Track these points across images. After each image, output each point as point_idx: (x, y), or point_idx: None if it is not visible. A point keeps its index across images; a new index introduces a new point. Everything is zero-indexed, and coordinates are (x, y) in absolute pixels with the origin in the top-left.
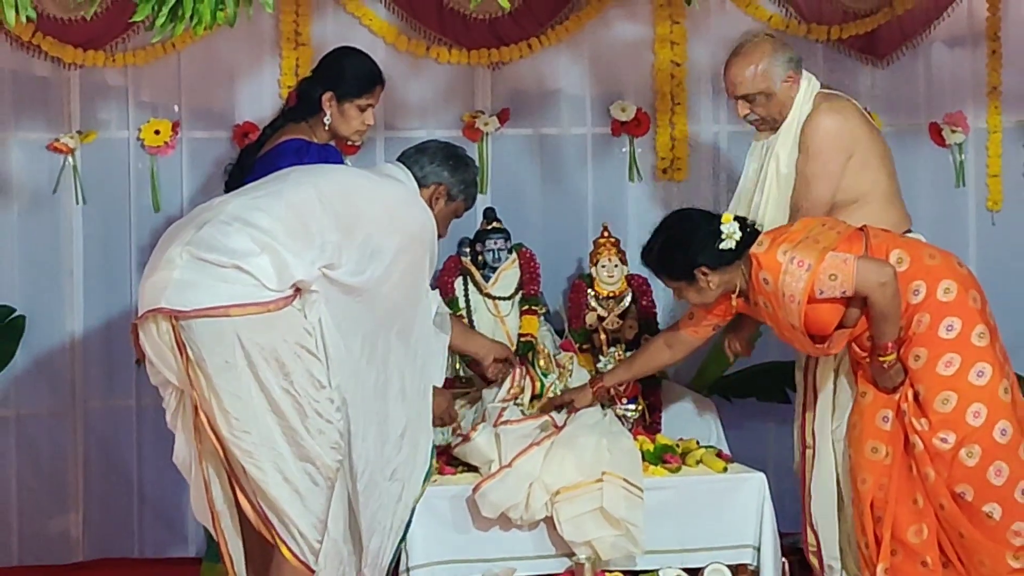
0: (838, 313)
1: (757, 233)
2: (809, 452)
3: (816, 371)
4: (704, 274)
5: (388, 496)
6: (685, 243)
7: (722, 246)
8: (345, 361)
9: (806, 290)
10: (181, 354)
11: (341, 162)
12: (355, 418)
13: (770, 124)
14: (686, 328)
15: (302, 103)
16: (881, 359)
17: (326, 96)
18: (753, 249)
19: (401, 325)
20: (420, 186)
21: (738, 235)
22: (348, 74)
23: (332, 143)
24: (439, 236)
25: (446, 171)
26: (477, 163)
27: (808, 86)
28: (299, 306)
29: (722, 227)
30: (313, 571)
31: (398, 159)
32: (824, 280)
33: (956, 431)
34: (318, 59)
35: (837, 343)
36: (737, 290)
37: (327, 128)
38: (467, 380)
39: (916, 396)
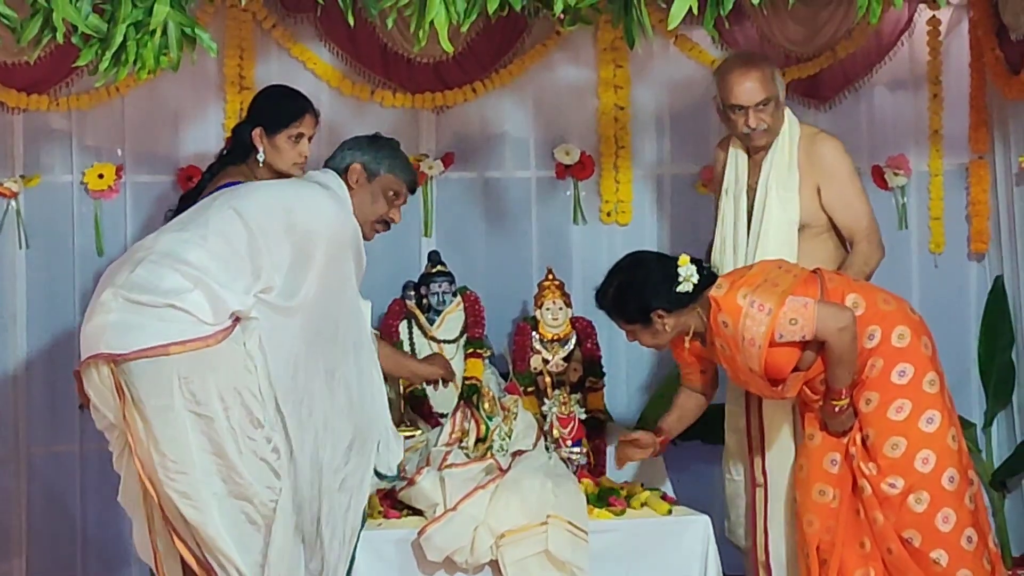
0: (795, 357)
1: (714, 276)
2: (760, 491)
3: (763, 412)
4: (660, 317)
5: (339, 506)
6: (640, 286)
7: (679, 288)
8: (290, 387)
9: (767, 334)
10: (120, 397)
11: None
12: (302, 439)
13: (770, 136)
14: (686, 382)
15: (236, 145)
16: (834, 403)
17: (256, 132)
18: (712, 292)
19: (342, 335)
20: (341, 175)
21: (695, 278)
22: (273, 106)
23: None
24: (373, 218)
25: (358, 150)
26: (422, 206)
27: (791, 116)
28: (238, 338)
29: (679, 269)
30: None
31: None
32: (784, 324)
33: (905, 477)
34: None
35: (792, 387)
36: (691, 332)
37: (262, 165)
38: (411, 423)
39: (865, 440)
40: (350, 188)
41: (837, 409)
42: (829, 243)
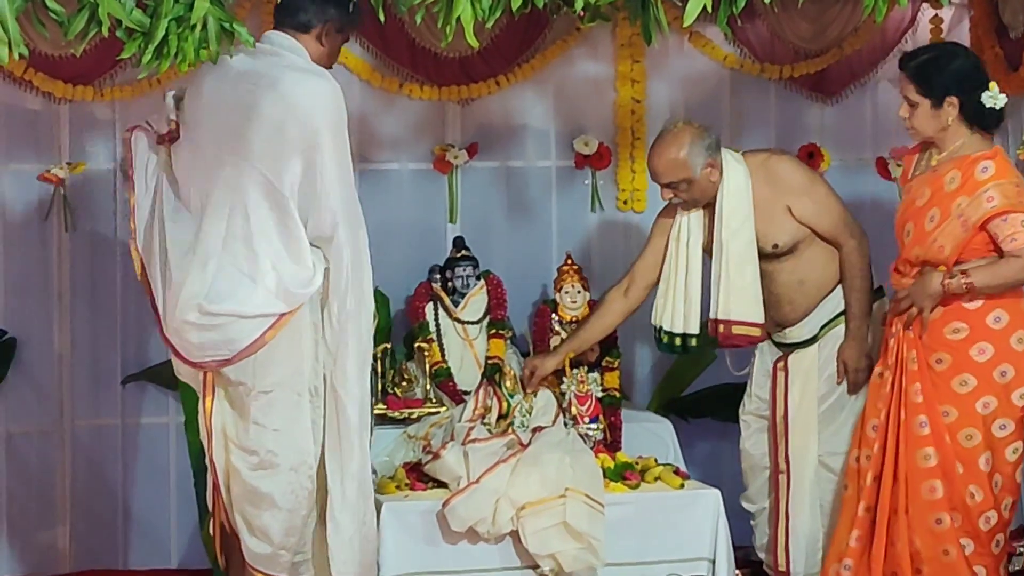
0: (972, 250)
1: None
2: (783, 477)
3: (788, 400)
4: (951, 106)
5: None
6: (958, 69)
7: (983, 98)
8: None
9: (997, 210)
10: (210, 393)
11: None
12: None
13: (694, 205)
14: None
15: None
16: (951, 282)
17: None
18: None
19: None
20: (306, 31)
21: (1000, 104)
22: None
23: None
24: (330, 66)
25: (331, 6)
26: (447, 194)
27: (733, 161)
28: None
29: (992, 88)
30: None
31: (276, 22)
32: (1014, 223)
33: (960, 410)
34: None
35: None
36: (943, 150)
37: None
38: (436, 400)
39: (934, 362)
40: (320, 44)
41: (944, 287)
42: (818, 249)
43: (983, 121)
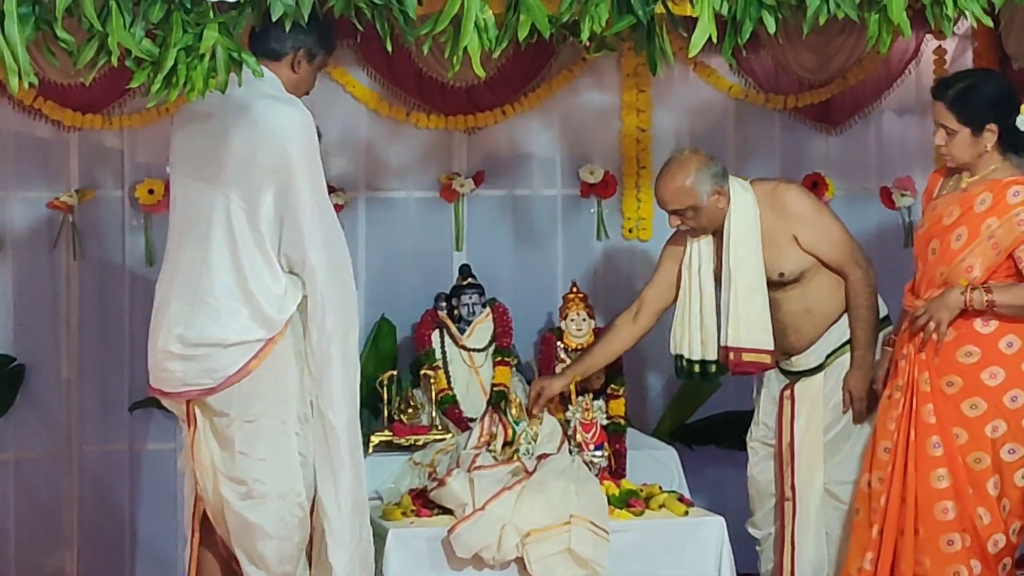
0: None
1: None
2: (788, 504)
3: (795, 429)
4: (991, 132)
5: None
6: (992, 94)
7: (1019, 123)
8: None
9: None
10: (191, 425)
11: None
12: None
13: (701, 232)
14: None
15: None
16: (972, 296)
17: None
18: None
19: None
20: (277, 59)
21: None
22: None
23: None
24: (306, 93)
25: (302, 33)
26: (454, 222)
27: (740, 189)
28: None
29: (1023, 110)
30: None
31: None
32: None
33: (970, 433)
34: None
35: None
36: (975, 174)
37: None
38: (442, 427)
39: (944, 384)
40: (292, 71)
41: (966, 301)
42: (824, 278)
43: (1017, 145)
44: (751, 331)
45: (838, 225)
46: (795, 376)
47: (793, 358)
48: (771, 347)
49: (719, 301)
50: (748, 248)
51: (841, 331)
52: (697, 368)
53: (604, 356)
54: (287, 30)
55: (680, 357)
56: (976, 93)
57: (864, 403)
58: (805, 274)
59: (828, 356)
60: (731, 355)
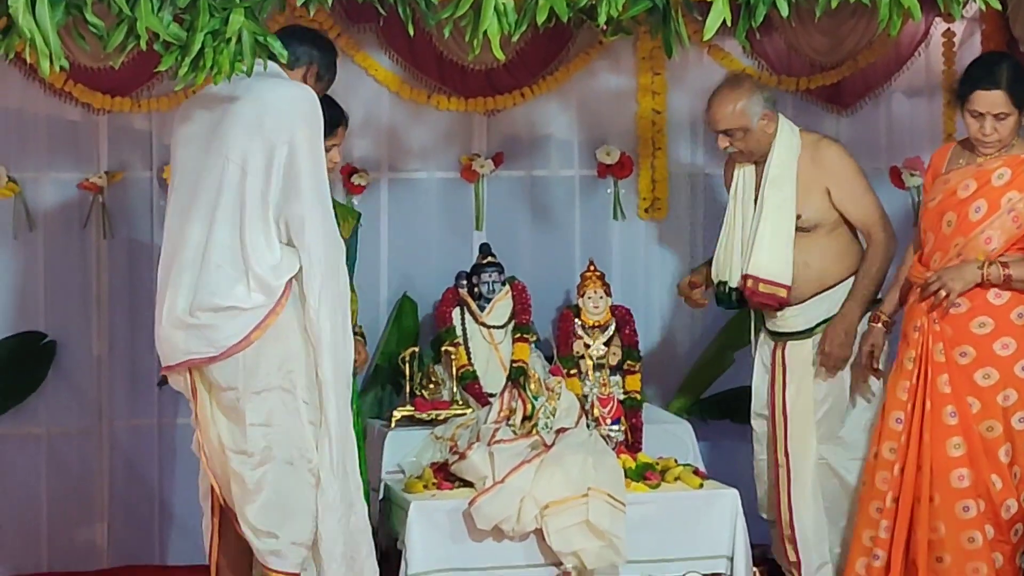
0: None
1: None
2: (782, 470)
3: (787, 398)
4: (1022, 115)
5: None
6: None
7: None
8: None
9: None
10: (195, 397)
11: None
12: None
13: (747, 156)
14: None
15: None
16: (990, 271)
17: None
18: None
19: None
20: (291, 68)
21: None
22: None
23: None
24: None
25: (316, 50)
26: (474, 202)
27: (788, 126)
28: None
29: None
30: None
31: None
32: None
33: (982, 401)
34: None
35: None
36: (1009, 145)
37: None
38: (463, 402)
39: (957, 354)
40: (304, 82)
41: (983, 275)
42: (843, 236)
43: None
44: (773, 262)
45: (872, 191)
46: (782, 337)
47: (780, 312)
48: (789, 282)
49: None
50: (784, 180)
51: (834, 300)
52: (735, 297)
53: None
54: (301, 42)
55: (723, 283)
56: (1020, 75)
57: (834, 354)
58: (818, 227)
59: (818, 324)
60: (748, 282)
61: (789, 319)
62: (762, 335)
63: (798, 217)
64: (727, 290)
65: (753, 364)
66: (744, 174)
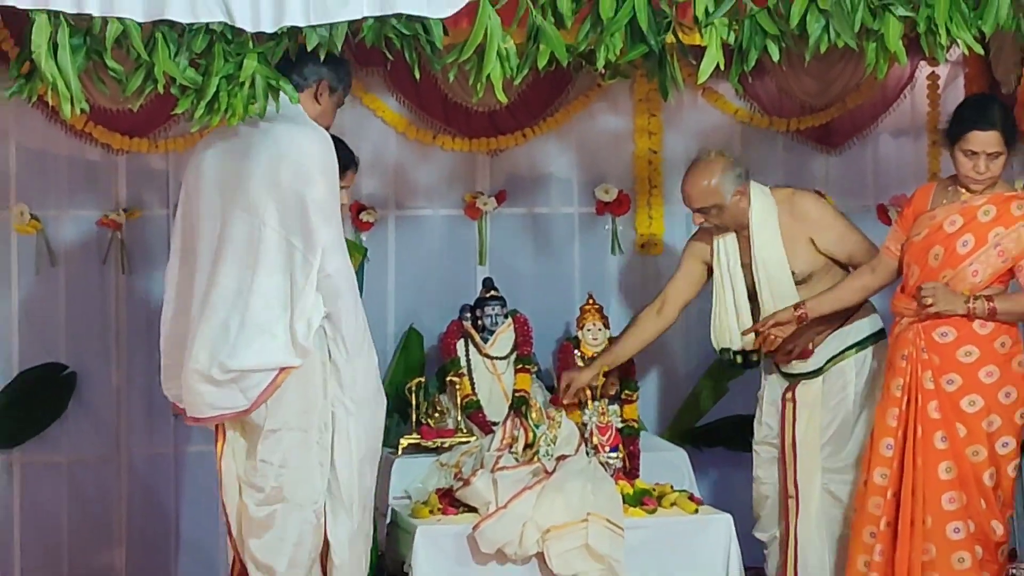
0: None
1: None
2: (792, 501)
3: (796, 431)
4: (1011, 154)
5: None
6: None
7: None
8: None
9: None
10: (221, 438)
11: None
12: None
13: (723, 229)
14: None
15: None
16: (975, 305)
17: None
18: None
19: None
20: (300, 90)
21: None
22: None
23: None
24: (327, 127)
25: (323, 66)
26: (477, 238)
27: (759, 191)
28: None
29: None
30: None
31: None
32: None
33: (969, 428)
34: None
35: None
36: (995, 183)
37: None
38: (467, 431)
39: (944, 382)
40: (316, 102)
41: (969, 309)
42: (839, 277)
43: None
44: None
45: (853, 228)
46: (795, 379)
47: (794, 360)
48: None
49: (750, 294)
50: (771, 242)
51: (841, 339)
52: (739, 359)
53: (630, 348)
54: (307, 62)
55: (726, 350)
56: (1010, 115)
57: (776, 331)
58: (812, 275)
59: (827, 362)
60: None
61: (801, 363)
62: (773, 375)
63: (792, 273)
64: (732, 355)
65: (759, 398)
66: (725, 244)
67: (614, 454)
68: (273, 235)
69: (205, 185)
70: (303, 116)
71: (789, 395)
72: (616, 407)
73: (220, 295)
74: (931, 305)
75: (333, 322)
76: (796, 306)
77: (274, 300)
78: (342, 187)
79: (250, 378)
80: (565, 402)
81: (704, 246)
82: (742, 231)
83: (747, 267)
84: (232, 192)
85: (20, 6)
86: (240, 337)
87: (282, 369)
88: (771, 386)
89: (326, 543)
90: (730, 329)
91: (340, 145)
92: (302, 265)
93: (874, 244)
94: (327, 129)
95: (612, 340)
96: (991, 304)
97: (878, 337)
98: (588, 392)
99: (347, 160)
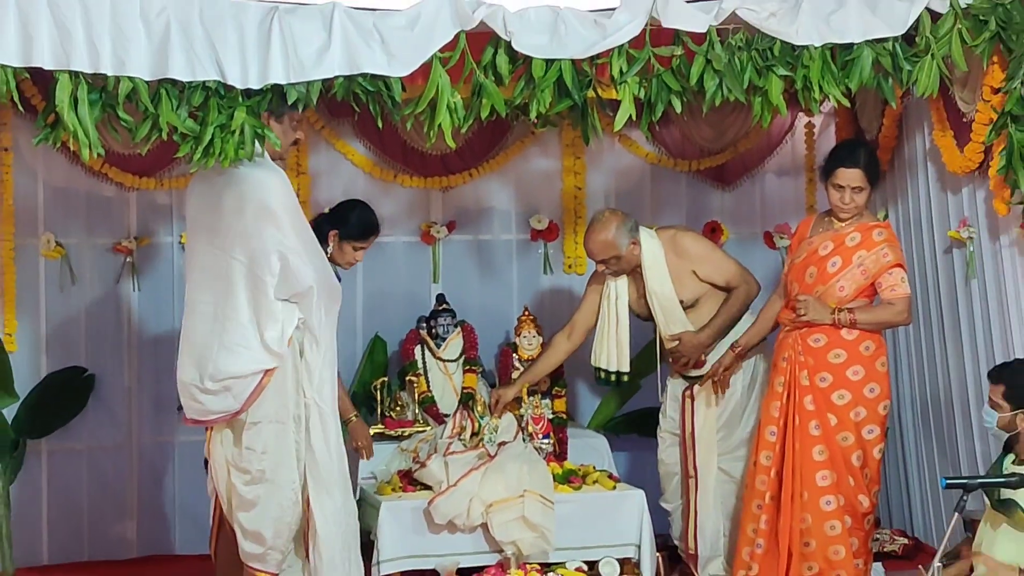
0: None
1: None
2: (692, 480)
3: (695, 421)
4: (872, 190)
5: None
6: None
7: None
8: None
9: (888, 266)
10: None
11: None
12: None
13: (620, 273)
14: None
15: (315, 231)
16: (840, 316)
17: (332, 233)
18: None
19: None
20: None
21: None
22: (356, 221)
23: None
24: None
25: (336, 223)
26: (432, 260)
27: (647, 235)
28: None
29: None
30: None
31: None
32: (898, 274)
33: (839, 418)
34: (315, 185)
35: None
36: (861, 214)
37: (329, 255)
38: (424, 421)
39: (818, 380)
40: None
41: (834, 319)
42: (712, 306)
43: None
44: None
45: (727, 257)
46: (692, 380)
47: (691, 368)
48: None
49: (632, 326)
50: (661, 279)
51: (727, 346)
52: (613, 377)
53: (545, 367)
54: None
55: (599, 369)
56: (874, 157)
57: (685, 353)
58: (699, 301)
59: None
60: (666, 342)
61: (698, 369)
62: (675, 377)
63: (681, 302)
64: (604, 374)
65: (661, 394)
66: (616, 285)
67: (546, 440)
68: (239, 266)
69: (189, 223)
70: (265, 158)
71: (688, 393)
72: (548, 401)
73: (200, 318)
74: (804, 314)
75: (308, 326)
76: (732, 346)
77: (244, 319)
78: (361, 248)
79: (239, 384)
80: (494, 415)
81: (599, 285)
82: (635, 271)
83: (643, 298)
84: (205, 228)
85: (46, 67)
86: (220, 353)
87: (265, 372)
88: (673, 385)
89: (311, 519)
90: (608, 355)
91: (370, 212)
92: (264, 288)
93: (746, 269)
94: (281, 157)
95: (530, 362)
96: (852, 316)
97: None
98: (514, 404)
99: (374, 227)
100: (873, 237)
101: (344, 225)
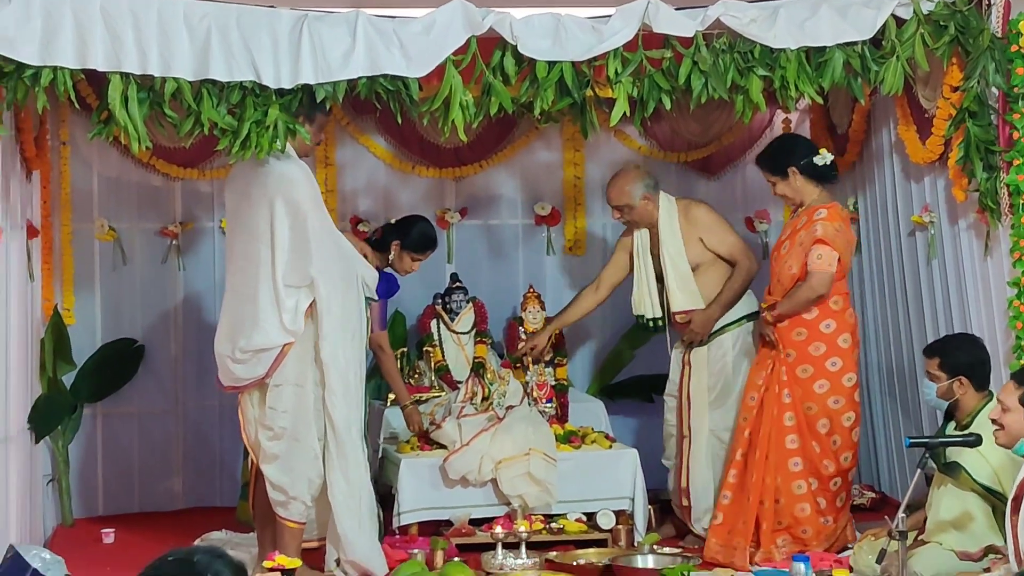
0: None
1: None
2: (686, 440)
3: (691, 385)
4: (793, 173)
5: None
6: (789, 147)
7: (816, 160)
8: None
9: (816, 236)
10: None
11: (395, 284)
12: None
13: (637, 225)
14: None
15: (381, 239)
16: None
17: (395, 243)
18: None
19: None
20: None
21: (827, 161)
22: (418, 235)
23: (389, 269)
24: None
25: (396, 235)
26: (446, 243)
27: (666, 199)
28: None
29: (820, 151)
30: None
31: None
32: (814, 253)
33: (815, 403)
34: (341, 175)
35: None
36: (804, 206)
37: (389, 262)
38: (439, 387)
39: (787, 356)
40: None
41: (762, 317)
42: (721, 268)
43: (823, 177)
44: (685, 298)
45: (733, 232)
46: (690, 347)
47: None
48: (703, 306)
49: (659, 276)
50: (673, 236)
51: (722, 320)
52: (651, 324)
53: (574, 316)
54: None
55: (640, 316)
56: (774, 151)
57: (695, 331)
58: (699, 267)
59: (711, 335)
60: (676, 318)
61: None
62: (678, 342)
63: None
64: (646, 320)
65: (668, 360)
66: (641, 236)
67: (549, 404)
68: (265, 252)
69: (228, 212)
70: (291, 154)
71: (686, 358)
72: (551, 369)
73: (235, 297)
74: (693, 339)
75: (319, 309)
76: (768, 309)
77: (267, 301)
78: (418, 260)
79: (263, 354)
80: (529, 358)
81: (628, 239)
82: (653, 229)
83: (656, 257)
84: (240, 217)
85: (100, 69)
86: (249, 329)
87: (285, 345)
88: (676, 351)
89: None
90: (645, 302)
91: (431, 228)
92: (277, 275)
93: (749, 247)
94: (306, 155)
95: (559, 312)
96: (775, 311)
97: (751, 316)
98: (545, 346)
99: (432, 242)
100: (813, 217)
101: (406, 238)
